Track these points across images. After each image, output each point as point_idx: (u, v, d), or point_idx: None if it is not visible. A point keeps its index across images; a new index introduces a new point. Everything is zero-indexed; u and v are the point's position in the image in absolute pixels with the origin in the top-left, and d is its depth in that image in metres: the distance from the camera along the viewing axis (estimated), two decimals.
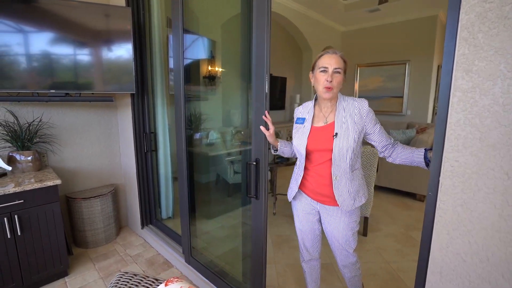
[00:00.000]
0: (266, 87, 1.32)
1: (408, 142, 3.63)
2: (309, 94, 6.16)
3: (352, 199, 1.23)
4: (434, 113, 6.35)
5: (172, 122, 2.45)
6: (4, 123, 1.98)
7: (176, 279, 0.86)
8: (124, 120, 2.53)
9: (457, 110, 0.72)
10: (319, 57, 1.20)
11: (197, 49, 2.14)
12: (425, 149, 1.10)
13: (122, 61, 2.12)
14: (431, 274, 0.83)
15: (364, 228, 2.60)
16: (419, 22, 5.64)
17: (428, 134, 3.67)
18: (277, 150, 1.43)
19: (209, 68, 4.10)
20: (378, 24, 6.28)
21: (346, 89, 7.05)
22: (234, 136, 3.64)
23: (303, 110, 1.34)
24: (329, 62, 1.14)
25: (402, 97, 6.25)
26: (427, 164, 1.09)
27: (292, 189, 1.41)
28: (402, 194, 3.70)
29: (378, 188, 3.77)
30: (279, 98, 5.88)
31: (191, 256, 2.01)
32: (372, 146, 1.28)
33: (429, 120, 6.19)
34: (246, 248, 1.89)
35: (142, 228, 2.59)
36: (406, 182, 3.57)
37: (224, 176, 3.71)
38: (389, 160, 1.23)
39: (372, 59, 6.55)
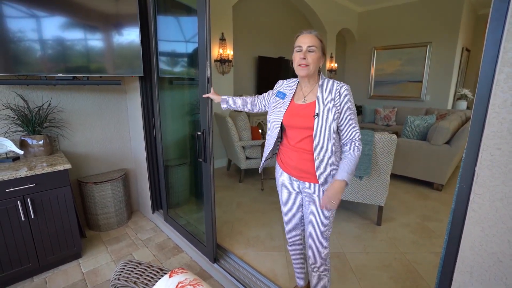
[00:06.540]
0: (208, 71, 1.58)
1: (427, 129, 3.44)
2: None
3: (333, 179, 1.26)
4: (455, 98, 6.01)
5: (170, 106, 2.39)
6: (15, 107, 1.98)
7: (181, 270, 0.82)
8: (133, 104, 2.49)
9: (503, 89, 0.61)
10: (296, 37, 1.24)
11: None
12: (346, 182, 1.20)
13: (129, 43, 2.06)
14: (459, 274, 0.75)
15: (378, 217, 2.52)
16: (443, 0, 5.23)
17: (449, 120, 3.46)
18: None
19: (221, 51, 3.96)
20: (398, 3, 5.89)
21: (362, 73, 6.76)
22: (247, 122, 3.56)
23: (287, 86, 1.36)
24: (303, 41, 1.20)
25: (421, 81, 5.94)
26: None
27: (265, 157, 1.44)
28: (418, 183, 3.56)
29: (393, 176, 3.64)
30: None
31: (168, 215, 2.40)
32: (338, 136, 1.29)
33: (449, 106, 5.87)
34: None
35: (153, 213, 2.61)
36: (423, 171, 3.42)
37: (236, 162, 3.67)
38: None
39: (391, 42, 6.20)
